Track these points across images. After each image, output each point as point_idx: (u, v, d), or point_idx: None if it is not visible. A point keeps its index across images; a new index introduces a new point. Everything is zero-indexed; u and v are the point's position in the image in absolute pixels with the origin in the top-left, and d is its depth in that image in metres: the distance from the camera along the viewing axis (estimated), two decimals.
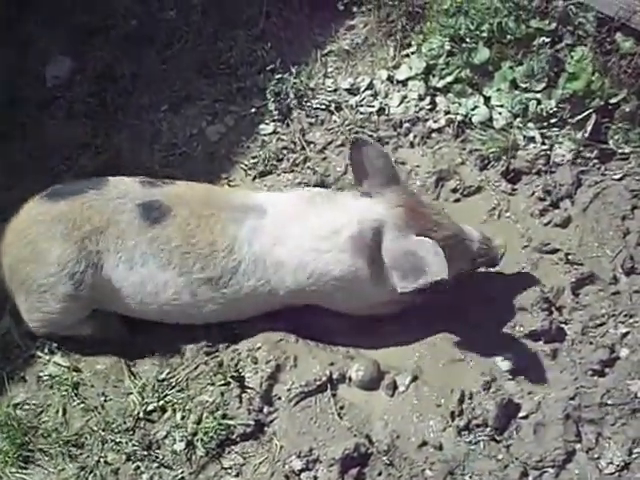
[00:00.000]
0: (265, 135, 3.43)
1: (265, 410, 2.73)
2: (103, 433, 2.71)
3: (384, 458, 2.61)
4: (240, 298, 2.75)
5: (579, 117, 3.25)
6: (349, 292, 2.75)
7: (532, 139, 3.29)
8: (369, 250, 2.66)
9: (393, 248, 2.64)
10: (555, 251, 3.04)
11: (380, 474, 2.59)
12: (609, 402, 2.68)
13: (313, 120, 3.44)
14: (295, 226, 2.73)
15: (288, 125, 3.42)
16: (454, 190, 3.25)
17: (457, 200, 3.25)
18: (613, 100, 3.24)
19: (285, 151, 3.36)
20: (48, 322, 2.83)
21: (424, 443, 2.65)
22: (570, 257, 3.01)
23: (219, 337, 2.87)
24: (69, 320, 2.83)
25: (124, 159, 3.36)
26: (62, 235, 2.69)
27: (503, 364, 2.78)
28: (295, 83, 3.48)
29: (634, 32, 3.21)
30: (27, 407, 2.81)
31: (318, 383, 2.76)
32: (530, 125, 3.31)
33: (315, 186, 3.24)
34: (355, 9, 3.66)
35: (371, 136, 3.34)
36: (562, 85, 3.26)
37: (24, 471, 2.69)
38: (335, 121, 3.43)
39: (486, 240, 2.83)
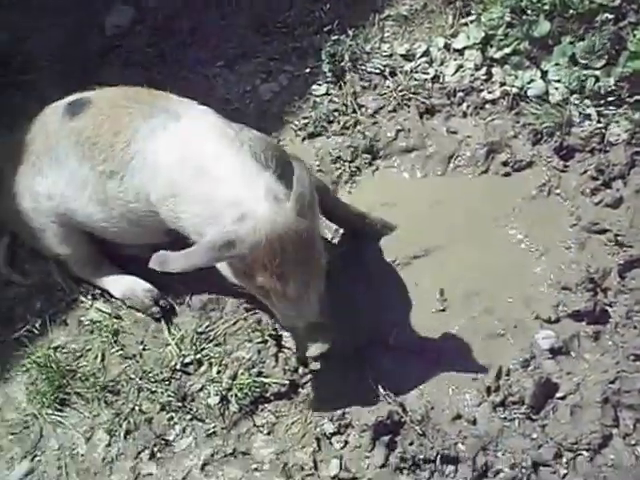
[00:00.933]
0: (317, 96, 3.40)
1: (300, 371, 2.74)
2: (140, 381, 2.75)
3: (417, 428, 2.60)
4: (130, 202, 2.69)
5: (638, 97, 3.17)
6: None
7: (588, 116, 3.22)
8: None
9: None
10: (604, 231, 2.97)
11: (412, 444, 2.57)
12: None
13: (366, 84, 3.40)
14: (202, 149, 2.53)
15: (341, 87, 3.38)
16: (504, 163, 3.19)
17: (507, 174, 3.19)
18: None
19: (336, 113, 3.33)
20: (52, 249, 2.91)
21: (458, 416, 2.64)
22: (619, 238, 2.94)
23: None
24: (67, 246, 2.89)
25: None
26: (13, 159, 2.84)
27: (543, 342, 2.74)
28: (351, 46, 3.43)
29: None
30: (66, 351, 2.86)
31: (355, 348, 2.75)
32: (587, 102, 3.23)
33: (365, 151, 3.23)
34: None
35: (424, 103, 3.33)
36: (622, 63, 3.17)
37: (60, 413, 2.74)
38: (388, 86, 3.39)
39: (309, 333, 2.61)
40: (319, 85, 3.43)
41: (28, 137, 2.83)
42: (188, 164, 2.51)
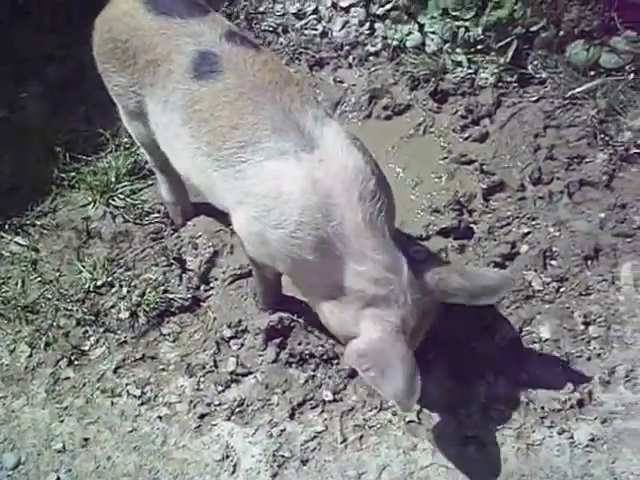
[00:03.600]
0: None
1: (202, 288, 3.07)
2: (57, 302, 3.05)
3: (304, 331, 2.93)
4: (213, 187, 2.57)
5: (502, 43, 3.57)
6: None
7: (459, 63, 3.61)
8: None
9: None
10: (471, 162, 3.36)
11: (300, 344, 2.90)
12: None
13: (261, 41, 3.75)
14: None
15: None
16: (385, 107, 3.57)
17: (388, 117, 3.58)
18: (533, 28, 3.55)
19: None
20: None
21: None
22: (484, 167, 3.32)
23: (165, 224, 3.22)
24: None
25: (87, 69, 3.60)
26: (120, 63, 2.67)
27: (417, 255, 3.09)
28: (245, 6, 3.79)
29: None
30: None
31: (251, 267, 3.07)
32: (458, 50, 3.62)
33: None
34: None
35: (313, 57, 3.70)
36: (488, 13, 3.56)
37: None
38: (281, 42, 3.75)
39: None
40: None
41: (152, 52, 2.56)
42: (315, 225, 2.32)
